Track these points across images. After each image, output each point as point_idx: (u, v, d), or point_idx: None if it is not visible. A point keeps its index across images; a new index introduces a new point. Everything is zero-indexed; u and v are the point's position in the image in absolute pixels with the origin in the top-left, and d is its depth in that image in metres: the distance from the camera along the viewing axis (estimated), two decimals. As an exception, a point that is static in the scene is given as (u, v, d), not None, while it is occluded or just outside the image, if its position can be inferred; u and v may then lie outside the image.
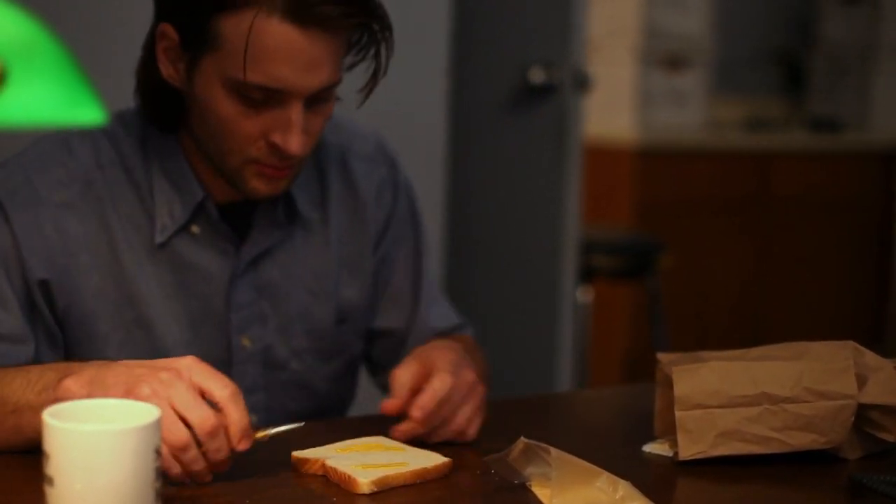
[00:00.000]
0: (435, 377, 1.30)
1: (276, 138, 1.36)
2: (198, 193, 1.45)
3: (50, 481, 0.98)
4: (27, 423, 1.19)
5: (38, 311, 1.39)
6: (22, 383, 1.21)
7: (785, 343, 1.38)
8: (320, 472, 1.21)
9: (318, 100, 1.38)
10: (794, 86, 5.34)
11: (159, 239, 1.44)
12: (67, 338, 1.42)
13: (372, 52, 1.38)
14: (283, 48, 1.30)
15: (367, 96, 1.40)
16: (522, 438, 1.21)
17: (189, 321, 1.46)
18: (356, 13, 1.32)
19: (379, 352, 1.67)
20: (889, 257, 4.97)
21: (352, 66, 1.40)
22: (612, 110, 4.40)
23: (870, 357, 1.32)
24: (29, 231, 1.38)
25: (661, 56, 4.50)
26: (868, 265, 4.97)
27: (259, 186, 1.41)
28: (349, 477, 1.17)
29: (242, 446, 1.16)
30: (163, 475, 1.02)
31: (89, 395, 1.15)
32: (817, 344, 1.34)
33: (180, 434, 1.13)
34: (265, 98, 1.34)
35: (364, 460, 1.22)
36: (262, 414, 1.49)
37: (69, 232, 1.41)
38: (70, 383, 1.17)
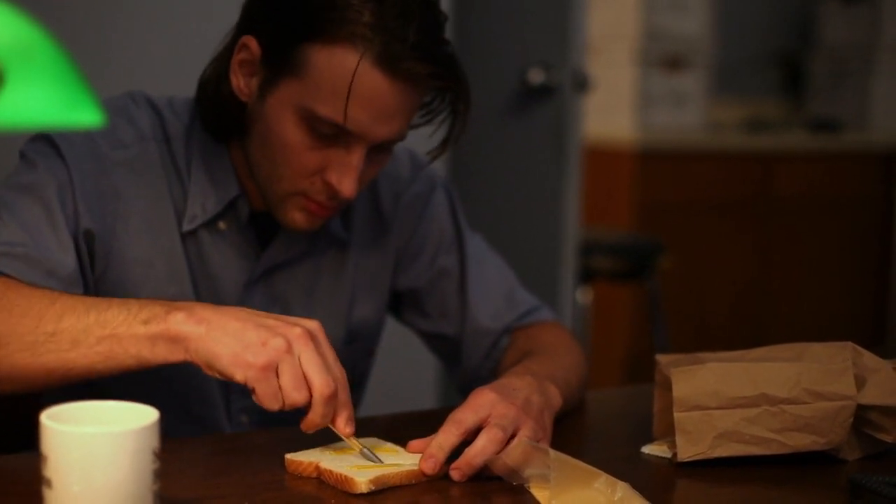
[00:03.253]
0: (481, 438, 1.22)
1: (332, 178, 1.36)
2: (233, 191, 1.45)
3: (48, 483, 0.98)
4: (128, 351, 1.19)
5: (80, 258, 1.38)
6: (120, 311, 1.20)
7: (784, 344, 1.38)
8: (314, 475, 1.21)
9: (379, 149, 1.38)
10: (793, 87, 5.34)
11: (187, 227, 1.44)
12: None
13: (442, 117, 1.40)
14: (367, 93, 1.30)
15: (435, 158, 1.43)
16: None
17: None
18: (442, 76, 1.33)
19: (439, 354, 1.69)
20: (889, 258, 4.96)
21: (415, 126, 1.40)
22: (611, 112, 4.40)
23: (868, 358, 1.32)
24: (86, 179, 1.38)
25: (661, 57, 4.50)
26: (868, 266, 4.97)
27: (298, 219, 1.42)
28: (346, 477, 1.17)
29: (348, 429, 1.20)
30: (160, 477, 1.02)
31: (206, 333, 1.16)
32: (816, 345, 1.34)
33: (303, 396, 1.16)
34: (333, 135, 1.34)
35: (358, 461, 1.21)
36: (255, 417, 1.50)
37: (124, 193, 1.41)
38: (181, 317, 1.17)
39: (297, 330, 1.17)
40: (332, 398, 1.17)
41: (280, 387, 1.15)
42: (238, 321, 1.17)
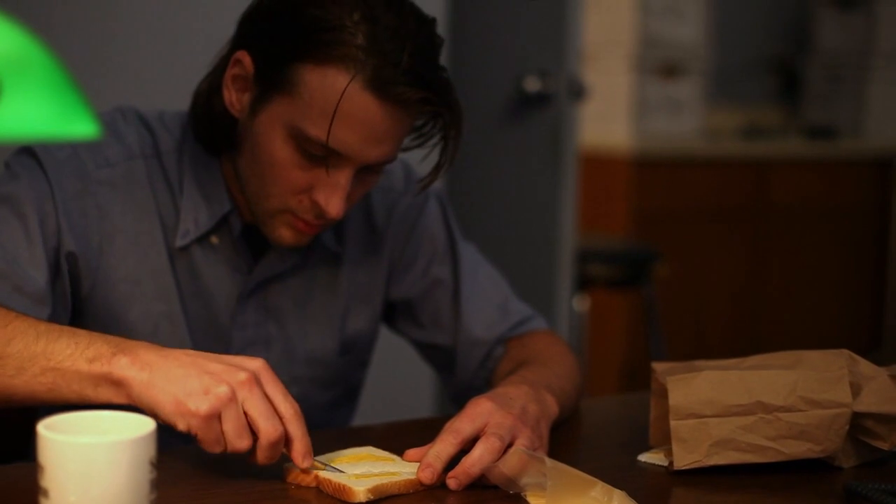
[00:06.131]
0: (479, 447, 1.22)
1: (319, 197, 1.36)
2: (225, 205, 1.45)
3: (45, 493, 0.98)
4: (71, 387, 1.18)
5: (60, 277, 1.38)
6: (68, 344, 1.19)
7: (779, 352, 1.38)
8: (313, 484, 1.21)
9: (368, 170, 1.38)
10: (789, 93, 5.34)
11: (180, 243, 1.44)
12: (87, 318, 1.41)
13: (433, 142, 1.39)
14: (357, 116, 1.30)
15: (425, 186, 1.43)
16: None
17: (198, 329, 1.46)
18: (434, 102, 1.33)
19: (433, 363, 1.69)
20: (885, 264, 4.97)
21: (406, 150, 1.41)
22: (608, 119, 4.40)
23: (864, 365, 1.32)
24: (68, 198, 1.38)
25: (657, 64, 4.50)
26: (865, 272, 4.97)
27: (285, 236, 1.41)
28: (344, 486, 1.17)
29: (305, 464, 1.18)
30: (157, 487, 1.02)
31: (148, 380, 1.14)
32: (812, 353, 1.35)
33: (245, 443, 1.15)
34: (322, 155, 1.33)
35: (355, 470, 1.21)
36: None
37: (109, 211, 1.41)
38: (126, 362, 1.16)
39: (242, 375, 1.15)
40: (276, 443, 1.16)
41: (223, 432, 1.14)
42: (181, 367, 1.15)
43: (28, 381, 1.20)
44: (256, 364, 1.18)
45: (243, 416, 1.14)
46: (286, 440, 1.17)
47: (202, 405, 1.13)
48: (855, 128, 5.03)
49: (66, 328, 1.23)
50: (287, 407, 1.17)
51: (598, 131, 4.31)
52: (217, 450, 1.15)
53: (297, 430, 1.17)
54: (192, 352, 1.19)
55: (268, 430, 1.15)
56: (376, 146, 1.34)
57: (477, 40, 3.05)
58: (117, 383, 1.16)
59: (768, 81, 5.34)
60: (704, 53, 4.63)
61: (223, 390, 1.13)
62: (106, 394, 1.17)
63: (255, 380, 1.16)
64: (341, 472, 1.21)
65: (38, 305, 1.33)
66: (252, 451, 1.17)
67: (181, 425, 1.14)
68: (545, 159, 3.06)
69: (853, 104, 5.05)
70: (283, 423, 1.16)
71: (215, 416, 1.13)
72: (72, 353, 1.19)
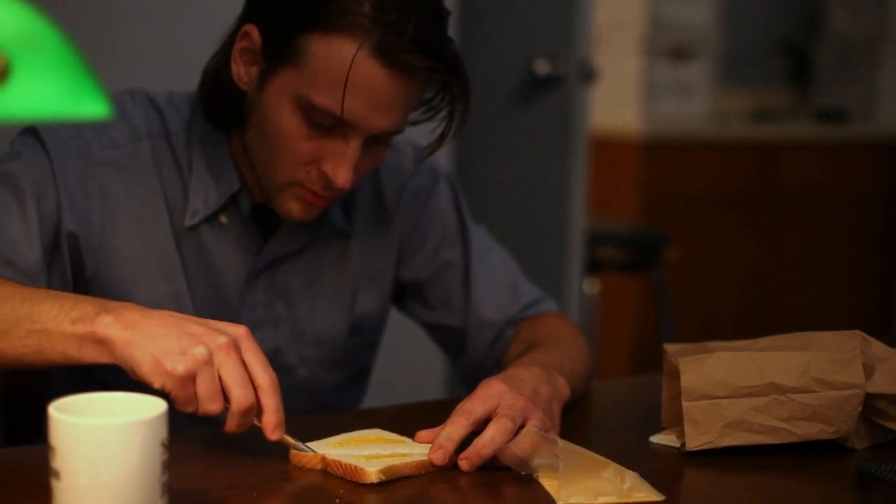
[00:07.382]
0: (491, 429, 1.22)
1: (327, 168, 1.36)
2: (234, 184, 1.45)
3: (56, 475, 0.98)
4: (55, 348, 1.18)
5: (59, 256, 1.38)
6: (53, 306, 1.19)
7: (792, 333, 1.37)
8: (319, 467, 1.20)
9: (376, 141, 1.38)
10: (800, 77, 5.33)
11: (189, 222, 1.44)
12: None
13: (442, 115, 1.38)
14: (364, 83, 1.30)
15: (429, 154, 1.42)
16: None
17: (205, 309, 1.46)
18: (441, 70, 1.33)
19: (443, 345, 1.69)
20: (894, 248, 4.96)
21: (415, 123, 1.40)
22: (617, 102, 4.39)
23: (877, 347, 1.32)
24: (69, 178, 1.38)
25: (667, 47, 4.49)
26: (874, 255, 4.96)
27: (294, 209, 1.41)
28: (356, 468, 1.17)
29: (275, 436, 1.18)
30: (169, 468, 1.02)
31: (131, 339, 1.14)
32: (824, 334, 1.34)
33: (217, 407, 1.14)
34: (329, 125, 1.34)
35: (364, 453, 1.21)
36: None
37: (112, 192, 1.41)
38: (109, 321, 1.16)
39: (222, 339, 1.15)
40: (247, 412, 1.16)
41: (196, 394, 1.14)
42: (163, 327, 1.15)
43: (13, 343, 1.20)
44: (239, 330, 1.18)
45: (217, 380, 1.14)
46: (259, 410, 1.17)
47: (179, 365, 1.12)
48: (865, 112, 5.02)
49: (52, 292, 1.24)
50: (264, 377, 1.17)
51: (607, 114, 4.30)
52: (189, 410, 1.15)
53: (270, 401, 1.17)
54: (177, 314, 1.19)
55: (239, 397, 1.14)
56: (383, 115, 1.34)
57: (487, 23, 3.04)
58: (100, 341, 1.16)
59: (778, 65, 5.32)
60: (714, 36, 4.62)
61: (200, 352, 1.13)
62: (89, 353, 1.18)
63: (234, 345, 1.15)
64: (312, 450, 1.21)
65: (30, 281, 1.34)
66: (225, 417, 1.17)
67: (157, 383, 1.14)
68: (555, 142, 3.06)
69: (863, 88, 5.04)
70: (257, 393, 1.16)
71: (190, 377, 1.13)
72: (56, 315, 1.19)
